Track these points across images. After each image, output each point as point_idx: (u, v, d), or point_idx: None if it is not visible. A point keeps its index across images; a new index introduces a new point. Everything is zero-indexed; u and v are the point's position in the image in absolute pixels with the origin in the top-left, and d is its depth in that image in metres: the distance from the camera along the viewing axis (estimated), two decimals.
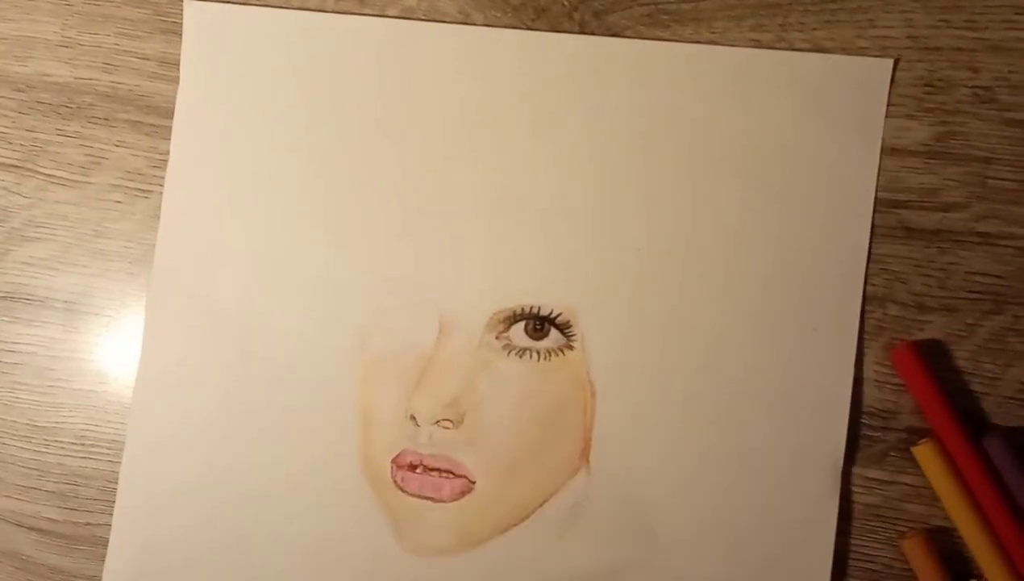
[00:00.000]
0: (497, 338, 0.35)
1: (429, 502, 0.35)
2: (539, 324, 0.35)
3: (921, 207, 0.35)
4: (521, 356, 0.35)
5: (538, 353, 0.35)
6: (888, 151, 0.35)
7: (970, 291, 0.35)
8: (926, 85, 0.35)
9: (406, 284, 0.36)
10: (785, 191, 0.35)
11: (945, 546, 0.34)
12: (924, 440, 0.34)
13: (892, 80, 0.35)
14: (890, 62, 0.35)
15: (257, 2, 0.37)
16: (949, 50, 0.35)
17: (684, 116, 0.36)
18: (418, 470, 0.35)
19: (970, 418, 0.34)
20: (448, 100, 0.37)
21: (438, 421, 0.35)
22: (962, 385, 0.35)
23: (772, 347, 0.35)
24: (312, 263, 0.36)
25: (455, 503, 0.35)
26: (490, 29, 0.37)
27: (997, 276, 0.35)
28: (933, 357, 0.34)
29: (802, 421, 0.35)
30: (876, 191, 0.35)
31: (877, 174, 0.35)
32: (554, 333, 0.35)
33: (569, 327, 0.35)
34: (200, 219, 0.37)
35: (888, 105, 0.35)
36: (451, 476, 0.35)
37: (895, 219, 0.35)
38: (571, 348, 0.35)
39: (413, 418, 0.35)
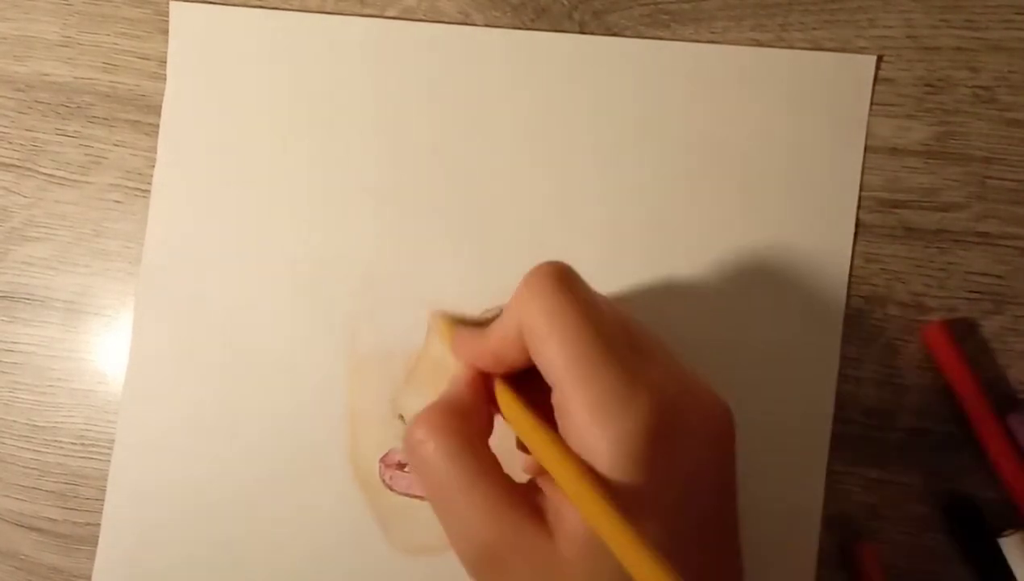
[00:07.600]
0: None
1: (417, 500, 0.35)
2: None
3: (921, 207, 0.35)
4: None
5: None
6: (888, 151, 0.35)
7: (970, 291, 0.35)
8: (926, 85, 0.35)
9: (394, 282, 0.36)
10: (771, 188, 0.35)
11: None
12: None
13: (876, 77, 0.35)
14: (873, 58, 0.35)
15: (256, 1, 0.37)
16: (949, 50, 0.35)
17: (671, 114, 0.36)
18: (406, 469, 0.35)
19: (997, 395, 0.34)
20: (436, 99, 0.36)
21: None
22: None
23: (759, 345, 0.35)
24: (300, 262, 0.36)
25: None
26: (478, 28, 0.36)
27: (997, 276, 0.35)
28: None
29: (788, 418, 0.35)
30: (870, 190, 0.35)
31: (862, 170, 0.35)
32: None
33: None
34: (188, 220, 0.37)
35: (886, 105, 0.35)
36: None
37: (895, 219, 0.35)
38: None
39: (401, 417, 0.35)
